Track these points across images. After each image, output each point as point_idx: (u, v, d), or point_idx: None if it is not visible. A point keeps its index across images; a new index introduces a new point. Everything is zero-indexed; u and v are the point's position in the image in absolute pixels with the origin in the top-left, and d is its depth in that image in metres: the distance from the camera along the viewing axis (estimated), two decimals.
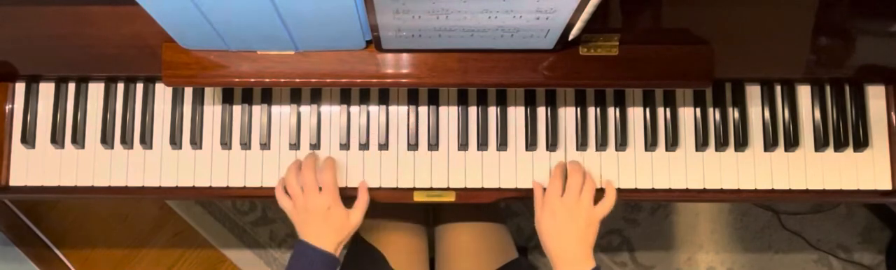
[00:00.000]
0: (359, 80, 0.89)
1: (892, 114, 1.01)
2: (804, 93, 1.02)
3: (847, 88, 1.01)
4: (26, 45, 0.92)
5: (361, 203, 0.95)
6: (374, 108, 1.01)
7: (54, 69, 0.98)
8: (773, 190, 1.00)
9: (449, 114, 1.01)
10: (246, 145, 1.00)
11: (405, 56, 0.89)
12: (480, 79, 0.89)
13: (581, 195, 0.92)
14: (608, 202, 0.93)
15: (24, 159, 1.00)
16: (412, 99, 1.01)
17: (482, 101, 1.01)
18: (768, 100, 1.01)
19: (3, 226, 1.71)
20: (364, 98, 1.00)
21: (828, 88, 1.01)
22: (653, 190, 1.00)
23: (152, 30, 0.85)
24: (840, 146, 1.00)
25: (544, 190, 0.94)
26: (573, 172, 0.93)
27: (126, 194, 1.01)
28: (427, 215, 1.24)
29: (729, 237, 1.77)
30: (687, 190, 1.00)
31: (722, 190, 1.00)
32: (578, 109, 1.01)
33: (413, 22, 0.77)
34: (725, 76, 0.99)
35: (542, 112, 1.01)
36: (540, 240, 0.92)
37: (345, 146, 1.00)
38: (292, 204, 0.94)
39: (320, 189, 0.93)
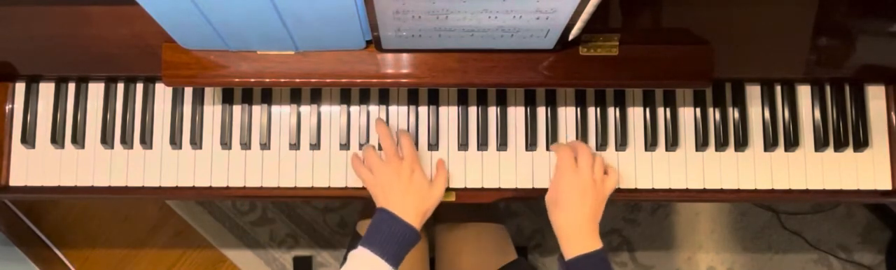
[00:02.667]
0: (359, 80, 0.89)
1: (892, 114, 1.01)
2: (804, 93, 1.02)
3: (847, 88, 1.01)
4: (26, 45, 0.93)
5: (442, 174, 0.94)
6: (374, 108, 1.01)
7: (54, 69, 0.98)
8: (773, 190, 1.00)
9: (449, 114, 1.01)
10: (246, 145, 1.00)
11: (405, 56, 0.89)
12: (480, 79, 0.89)
13: (594, 166, 0.91)
14: (615, 175, 0.93)
15: (24, 159, 1.01)
16: (412, 99, 1.01)
17: (482, 101, 1.01)
18: (768, 100, 1.01)
19: (3, 226, 1.71)
20: (364, 98, 1.00)
21: (828, 88, 1.01)
22: (653, 190, 1.00)
23: (152, 30, 0.85)
24: (840, 146, 1.00)
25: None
26: (581, 146, 0.93)
27: (126, 194, 1.01)
28: None
29: (729, 237, 1.77)
30: (687, 190, 1.00)
31: (722, 190, 1.00)
32: (578, 109, 1.01)
33: (413, 22, 0.77)
34: (725, 76, 0.99)
35: (542, 112, 1.01)
36: (550, 216, 0.90)
37: (345, 146, 1.00)
38: (372, 174, 0.91)
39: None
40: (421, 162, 0.94)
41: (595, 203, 0.89)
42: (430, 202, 0.90)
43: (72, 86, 1.01)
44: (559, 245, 0.89)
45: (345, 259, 1.12)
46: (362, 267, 0.84)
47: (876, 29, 0.92)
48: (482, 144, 1.00)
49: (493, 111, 1.01)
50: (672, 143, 1.00)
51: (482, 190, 1.00)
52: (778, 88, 1.02)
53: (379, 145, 0.97)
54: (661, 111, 1.01)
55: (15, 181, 1.00)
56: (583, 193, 0.89)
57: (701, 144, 1.00)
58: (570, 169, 0.90)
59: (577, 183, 0.89)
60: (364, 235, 0.87)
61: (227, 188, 1.00)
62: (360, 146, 1.00)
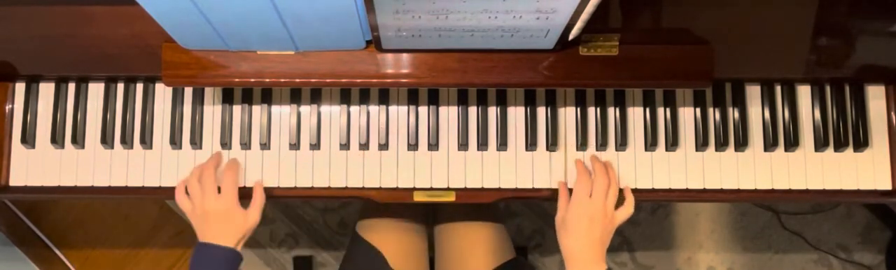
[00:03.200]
0: (359, 80, 0.89)
1: (892, 114, 1.01)
2: (804, 93, 1.02)
3: (847, 88, 1.01)
4: (26, 45, 0.92)
5: (257, 202, 0.96)
6: (374, 108, 1.01)
7: (54, 69, 0.98)
8: (773, 190, 1.00)
9: (449, 114, 1.01)
10: (246, 145, 1.00)
11: (405, 56, 0.89)
12: (480, 79, 0.89)
13: (607, 197, 0.93)
14: (628, 208, 0.95)
15: (24, 159, 1.01)
16: (412, 99, 1.01)
17: (482, 101, 1.01)
18: (768, 100, 1.01)
19: (3, 226, 1.71)
20: (364, 98, 1.00)
21: (828, 88, 1.01)
22: (653, 190, 1.00)
23: (152, 30, 0.85)
24: (840, 146, 1.00)
25: (569, 190, 0.95)
26: (600, 173, 0.94)
27: (126, 194, 1.01)
28: (427, 215, 1.24)
29: (729, 237, 1.77)
30: (687, 190, 1.00)
31: (722, 190, 1.00)
32: (578, 109, 1.01)
33: (413, 22, 0.77)
34: (725, 76, 0.99)
35: (542, 112, 1.01)
36: (559, 237, 0.93)
37: (345, 146, 1.00)
38: (191, 205, 0.94)
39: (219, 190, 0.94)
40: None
41: (603, 231, 0.92)
42: (244, 230, 0.94)
43: (72, 86, 1.01)
44: (565, 267, 0.91)
45: (345, 263, 1.13)
46: None
47: (876, 29, 0.92)
48: (482, 144, 1.00)
49: (493, 111, 1.01)
50: (672, 143, 1.00)
51: (482, 190, 1.00)
52: (778, 88, 1.02)
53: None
54: (661, 111, 1.01)
55: (15, 181, 1.00)
56: (591, 221, 0.91)
57: (701, 144, 1.00)
58: (584, 198, 0.92)
59: (588, 212, 0.91)
60: (190, 267, 0.91)
61: None
62: (360, 146, 1.00)
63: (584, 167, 0.97)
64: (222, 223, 0.93)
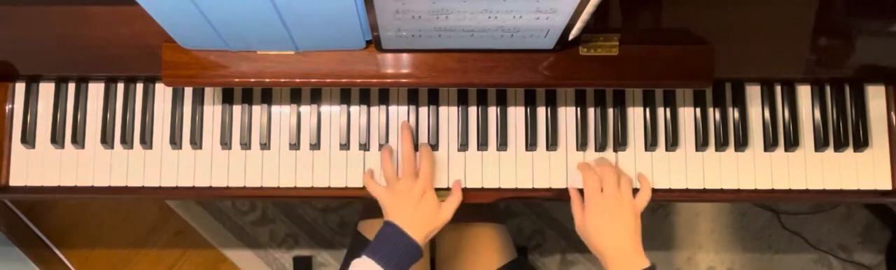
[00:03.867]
0: (359, 80, 0.89)
1: (892, 114, 1.01)
2: (804, 93, 1.02)
3: (847, 88, 1.01)
4: (26, 45, 0.93)
5: (455, 198, 0.94)
6: (374, 108, 1.01)
7: (54, 69, 0.98)
8: (773, 190, 1.00)
9: (449, 114, 1.01)
10: (246, 145, 1.00)
11: (405, 56, 0.89)
12: (480, 79, 0.89)
13: (620, 189, 0.91)
14: (646, 193, 0.93)
15: (24, 159, 1.00)
16: (412, 99, 1.01)
17: (482, 101, 1.01)
18: (768, 100, 1.01)
19: (3, 226, 1.71)
20: (364, 98, 1.00)
21: (828, 88, 1.01)
22: (653, 190, 1.00)
23: (152, 30, 0.85)
24: (840, 146, 1.00)
25: (580, 192, 0.94)
26: (606, 168, 0.93)
27: (126, 194, 1.01)
28: None
29: (729, 237, 1.77)
30: (687, 190, 1.00)
31: (722, 190, 1.00)
32: (578, 109, 1.01)
33: (413, 22, 0.77)
34: (725, 76, 0.99)
35: (542, 112, 1.01)
36: (588, 243, 0.90)
37: (345, 146, 1.00)
38: (386, 189, 0.92)
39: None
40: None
41: (629, 223, 0.89)
42: (436, 225, 0.91)
43: (72, 86, 1.01)
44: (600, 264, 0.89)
45: (346, 263, 1.13)
46: None
47: (876, 29, 0.92)
48: (482, 144, 1.00)
49: (493, 111, 1.01)
50: (672, 143, 1.00)
51: (482, 190, 1.00)
52: (778, 88, 1.02)
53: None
54: (661, 111, 1.01)
55: (15, 181, 1.00)
56: (614, 216, 0.89)
57: (701, 144, 1.00)
58: (597, 194, 0.91)
59: (607, 209, 0.90)
60: (370, 245, 0.88)
61: (227, 188, 1.00)
62: (360, 146, 1.00)
63: (586, 165, 0.96)
64: (416, 208, 0.89)
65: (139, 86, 1.01)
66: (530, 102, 1.00)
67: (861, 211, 1.77)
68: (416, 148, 0.97)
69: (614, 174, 0.92)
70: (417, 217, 0.89)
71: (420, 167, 0.93)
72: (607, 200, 0.90)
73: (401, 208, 0.90)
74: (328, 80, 0.89)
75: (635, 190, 0.95)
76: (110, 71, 0.98)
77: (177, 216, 1.76)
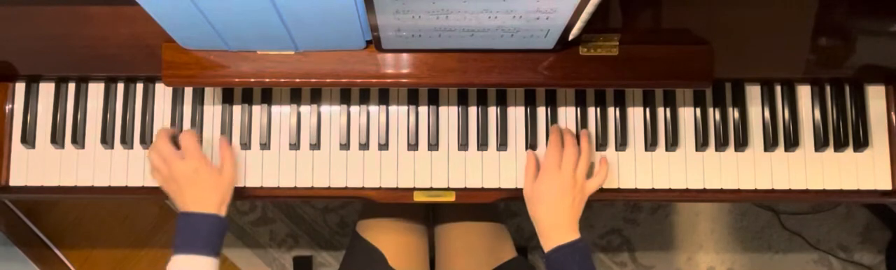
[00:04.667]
0: (359, 80, 0.89)
1: (892, 114, 1.01)
2: (804, 93, 1.02)
3: (847, 88, 1.01)
4: (26, 45, 0.93)
5: (226, 158, 0.93)
6: (374, 108, 1.01)
7: (54, 69, 0.98)
8: (773, 190, 1.00)
9: (449, 114, 1.01)
10: (246, 145, 1.00)
11: (405, 56, 0.89)
12: (480, 79, 0.89)
13: (577, 168, 0.92)
14: (599, 178, 0.94)
15: (24, 159, 1.00)
16: (412, 99, 1.01)
17: (482, 101, 1.01)
18: (768, 100, 1.01)
19: (3, 226, 1.71)
20: (364, 98, 1.00)
21: (828, 88, 1.01)
22: (653, 190, 1.00)
23: (152, 30, 0.85)
24: (840, 146, 1.00)
25: (536, 162, 0.94)
26: (569, 144, 0.93)
27: (126, 194, 1.01)
28: (427, 215, 1.24)
29: (729, 237, 1.77)
30: (687, 190, 1.00)
31: (722, 190, 1.00)
32: (578, 109, 1.01)
33: (413, 22, 0.77)
34: (725, 76, 0.99)
35: (542, 112, 1.01)
36: (528, 208, 0.92)
37: (345, 146, 1.00)
38: (161, 176, 0.91)
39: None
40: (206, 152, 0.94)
41: (574, 202, 0.90)
42: (222, 190, 0.90)
43: (72, 86, 1.01)
44: (539, 240, 0.91)
45: (345, 262, 1.13)
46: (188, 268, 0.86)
47: (876, 29, 0.92)
48: (482, 144, 1.00)
49: (493, 111, 1.01)
50: (672, 143, 1.00)
51: (482, 190, 1.00)
52: (778, 88, 1.02)
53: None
54: (661, 111, 1.01)
55: (15, 181, 1.00)
56: (562, 193, 0.90)
57: (701, 144, 1.00)
58: (554, 169, 0.91)
59: (558, 184, 0.90)
60: (174, 242, 0.88)
61: None
62: (360, 146, 1.00)
63: (557, 138, 0.95)
64: (195, 185, 0.88)
65: (139, 86, 1.01)
66: (530, 102, 1.00)
67: (861, 211, 1.77)
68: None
69: (576, 153, 0.92)
70: (200, 192, 0.88)
71: (181, 145, 0.91)
72: (563, 176, 0.91)
73: (182, 191, 0.89)
74: (328, 80, 0.89)
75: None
76: (110, 71, 0.98)
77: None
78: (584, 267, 0.88)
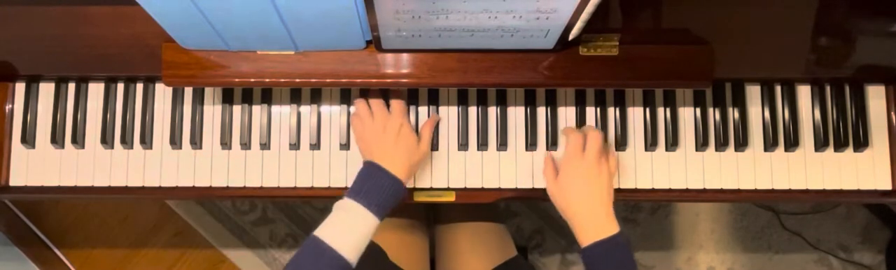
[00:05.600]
0: (359, 80, 0.89)
1: (892, 114, 1.01)
2: (804, 93, 1.02)
3: (847, 88, 1.01)
4: (26, 45, 0.92)
5: (428, 132, 0.95)
6: None
7: (54, 69, 0.98)
8: (773, 190, 1.00)
9: (449, 114, 1.01)
10: (246, 145, 1.00)
11: (405, 56, 0.89)
12: (480, 79, 0.89)
13: (589, 148, 0.89)
14: (613, 155, 0.94)
15: (24, 159, 1.01)
16: (412, 99, 1.01)
17: (482, 101, 1.01)
18: (768, 100, 1.01)
19: (3, 226, 1.71)
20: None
21: (828, 88, 1.01)
22: (653, 190, 1.00)
23: (152, 30, 0.85)
24: (840, 146, 1.00)
25: (553, 161, 0.94)
26: (594, 133, 0.91)
27: (126, 194, 1.01)
28: (427, 215, 1.24)
29: (729, 237, 1.77)
30: (687, 190, 1.00)
31: (722, 190, 1.00)
32: (578, 109, 1.01)
33: (413, 22, 0.77)
34: (725, 76, 0.99)
35: (542, 112, 1.01)
36: (560, 207, 0.89)
37: (345, 146, 1.00)
38: (364, 125, 0.92)
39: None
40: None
41: (604, 187, 0.87)
42: (418, 157, 0.91)
43: (72, 86, 1.01)
44: (575, 236, 0.87)
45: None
46: (347, 217, 0.83)
47: (876, 29, 0.92)
48: (482, 144, 1.00)
49: (493, 111, 1.01)
50: (672, 143, 1.00)
51: (482, 190, 1.00)
52: (778, 88, 1.02)
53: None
54: (661, 111, 1.01)
55: (15, 181, 1.00)
56: (589, 180, 0.88)
57: (701, 144, 1.00)
58: (578, 158, 0.89)
59: (584, 169, 0.88)
60: (352, 186, 0.86)
61: (227, 188, 1.00)
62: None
63: (571, 128, 0.95)
64: (395, 143, 0.89)
65: (139, 86, 1.01)
66: (530, 102, 1.00)
67: (861, 211, 1.77)
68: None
69: (600, 139, 0.90)
70: (397, 152, 0.89)
71: (392, 103, 0.94)
72: (586, 162, 0.88)
73: (378, 145, 0.89)
74: (328, 80, 0.89)
75: None
76: (110, 71, 0.98)
77: (177, 216, 1.76)
78: (625, 267, 0.83)
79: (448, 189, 0.99)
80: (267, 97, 1.01)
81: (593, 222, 0.85)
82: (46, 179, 1.00)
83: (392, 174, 0.87)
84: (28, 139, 1.00)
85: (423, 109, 1.01)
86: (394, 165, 0.88)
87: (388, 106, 0.96)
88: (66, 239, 1.76)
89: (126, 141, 1.00)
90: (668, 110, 1.01)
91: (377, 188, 0.84)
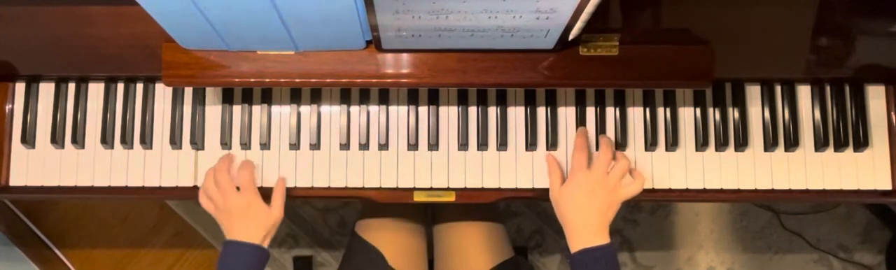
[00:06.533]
0: (359, 80, 0.89)
1: (892, 114, 1.01)
2: (804, 93, 1.02)
3: (847, 88, 1.01)
4: (26, 45, 0.93)
5: (278, 197, 0.96)
6: (374, 108, 1.01)
7: (54, 69, 0.98)
8: (773, 190, 1.00)
9: (449, 114, 1.01)
10: (246, 145, 1.00)
11: (405, 56, 0.89)
12: (480, 79, 0.89)
13: (611, 172, 0.91)
14: (637, 185, 0.92)
15: (24, 159, 1.00)
16: (412, 99, 1.01)
17: (482, 101, 1.01)
18: (768, 100, 1.01)
19: (3, 226, 1.71)
20: (364, 98, 1.00)
21: (828, 88, 1.01)
22: (653, 190, 1.00)
23: (152, 30, 0.85)
24: (840, 146, 1.00)
25: (560, 166, 0.95)
26: (604, 146, 0.93)
27: (126, 194, 1.01)
28: (426, 215, 1.24)
29: (729, 237, 1.77)
30: (687, 190, 1.00)
31: (722, 190, 1.00)
32: (578, 109, 1.01)
33: (413, 22, 0.77)
34: (725, 76, 0.99)
35: (542, 112, 1.01)
36: (557, 211, 0.91)
37: (345, 146, 1.00)
38: (213, 205, 0.94)
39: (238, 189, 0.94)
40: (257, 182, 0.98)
41: (604, 204, 0.89)
42: (269, 225, 0.94)
43: (72, 86, 1.01)
44: (566, 241, 0.89)
45: (344, 262, 1.13)
46: None
47: (876, 29, 0.92)
48: (482, 144, 1.00)
49: (493, 111, 1.01)
50: (672, 143, 1.00)
51: (482, 190, 1.00)
52: (778, 88, 1.02)
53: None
54: (661, 111, 1.01)
55: (15, 181, 1.00)
56: (591, 193, 0.89)
57: (701, 144, 1.00)
58: (582, 169, 0.91)
59: (587, 184, 0.90)
60: (217, 267, 0.92)
61: None
62: (360, 146, 1.00)
63: (583, 139, 0.95)
64: (245, 219, 0.92)
65: (139, 86, 1.01)
66: (530, 102, 1.00)
67: (861, 211, 1.77)
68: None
69: (610, 156, 0.92)
70: (250, 226, 0.92)
71: (239, 181, 0.95)
72: (592, 178, 0.90)
73: (232, 223, 0.93)
74: (328, 80, 0.89)
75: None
76: (110, 71, 0.98)
77: (177, 216, 1.76)
78: None
79: (448, 189, 0.99)
80: (267, 97, 1.01)
81: (584, 232, 0.88)
82: (46, 179, 1.00)
83: (247, 243, 0.91)
84: (28, 139, 1.00)
85: (423, 109, 1.01)
86: (250, 236, 0.92)
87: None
88: (66, 239, 1.76)
89: (126, 142, 1.00)
90: (668, 110, 1.01)
91: (238, 260, 0.91)
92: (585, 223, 0.88)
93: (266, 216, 0.93)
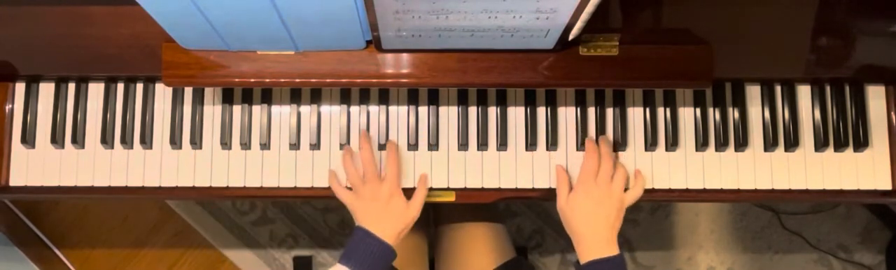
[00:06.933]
0: (359, 80, 0.89)
1: (892, 114, 1.01)
2: (804, 93, 1.02)
3: (847, 88, 1.01)
4: (26, 45, 0.93)
5: (420, 195, 0.95)
6: (374, 108, 1.01)
7: (54, 69, 0.98)
8: (773, 190, 1.00)
9: (449, 114, 1.01)
10: (246, 145, 1.00)
11: (405, 56, 0.89)
12: (480, 79, 0.89)
13: (614, 180, 0.92)
14: (638, 190, 0.94)
15: (24, 159, 1.01)
16: (412, 99, 1.01)
17: (482, 101, 1.01)
18: (768, 100, 1.01)
19: (3, 226, 1.71)
20: (364, 98, 1.00)
21: (828, 88, 1.01)
22: (653, 190, 1.00)
23: (152, 30, 0.85)
24: (840, 146, 1.00)
25: (567, 176, 0.95)
26: (606, 156, 0.94)
27: (126, 194, 1.01)
28: (427, 215, 1.24)
29: (729, 237, 1.77)
30: (687, 190, 1.00)
31: (722, 190, 1.00)
32: (578, 109, 1.01)
33: (413, 22, 0.77)
34: (725, 76, 0.99)
35: (542, 112, 1.01)
36: (565, 222, 0.92)
37: (345, 146, 1.00)
38: (353, 194, 0.93)
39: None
40: (403, 173, 0.96)
41: (612, 214, 0.90)
42: (406, 222, 0.92)
43: (72, 86, 1.01)
44: (575, 251, 0.90)
45: None
46: None
47: (876, 29, 0.92)
48: (482, 144, 1.00)
49: (493, 111, 1.01)
50: (672, 143, 1.00)
51: (482, 190, 1.00)
52: (778, 88, 1.02)
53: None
54: (661, 111, 1.01)
55: (15, 181, 1.00)
56: (599, 204, 0.90)
57: (701, 144, 1.00)
58: (591, 181, 0.92)
59: (595, 195, 0.91)
60: (344, 252, 0.89)
61: (227, 188, 1.00)
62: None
63: (593, 149, 0.95)
64: (384, 211, 0.91)
65: (139, 86, 1.01)
66: (530, 102, 1.00)
67: (861, 211, 1.77)
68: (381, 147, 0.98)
69: (612, 165, 0.94)
70: (387, 219, 0.91)
71: (385, 169, 0.93)
72: (599, 188, 0.91)
73: (370, 212, 0.91)
74: (328, 80, 0.89)
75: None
76: (110, 71, 0.98)
77: (177, 216, 1.76)
78: None
79: (448, 189, 0.99)
80: (267, 97, 1.01)
81: (594, 243, 0.89)
82: (46, 179, 1.00)
83: (381, 239, 0.89)
84: (28, 139, 1.00)
85: (423, 109, 1.01)
86: (383, 232, 0.90)
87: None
88: (66, 239, 1.76)
89: (126, 142, 1.00)
90: (668, 110, 1.01)
91: (368, 255, 0.88)
92: (594, 233, 0.89)
93: (404, 211, 0.92)
